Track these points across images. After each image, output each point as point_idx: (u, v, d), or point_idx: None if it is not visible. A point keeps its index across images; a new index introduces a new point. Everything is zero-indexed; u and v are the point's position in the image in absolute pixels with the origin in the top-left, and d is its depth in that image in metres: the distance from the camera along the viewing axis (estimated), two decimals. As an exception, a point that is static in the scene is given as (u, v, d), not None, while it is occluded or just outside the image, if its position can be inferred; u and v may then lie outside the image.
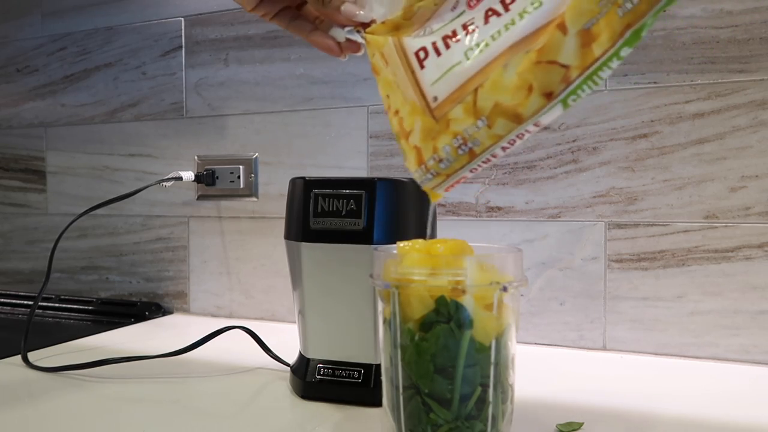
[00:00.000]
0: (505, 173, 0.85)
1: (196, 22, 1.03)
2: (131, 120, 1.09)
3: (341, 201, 0.59)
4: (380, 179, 0.59)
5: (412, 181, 0.60)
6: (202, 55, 1.03)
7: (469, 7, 0.43)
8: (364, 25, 0.50)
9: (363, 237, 0.58)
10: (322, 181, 0.60)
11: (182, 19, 1.04)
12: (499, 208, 0.85)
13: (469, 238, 0.49)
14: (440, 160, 0.44)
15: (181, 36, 1.04)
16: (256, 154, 1.00)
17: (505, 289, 0.44)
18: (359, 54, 0.54)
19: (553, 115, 0.40)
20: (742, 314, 0.75)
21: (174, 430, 0.54)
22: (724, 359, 0.75)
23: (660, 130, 0.78)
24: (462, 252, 0.46)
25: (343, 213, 0.59)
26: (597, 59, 0.38)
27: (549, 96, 0.39)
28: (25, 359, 0.73)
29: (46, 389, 0.64)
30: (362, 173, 0.92)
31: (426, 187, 0.46)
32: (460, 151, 0.43)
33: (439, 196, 0.47)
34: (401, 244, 0.47)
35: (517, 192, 0.84)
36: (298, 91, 0.96)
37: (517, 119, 0.40)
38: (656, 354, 0.78)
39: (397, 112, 0.46)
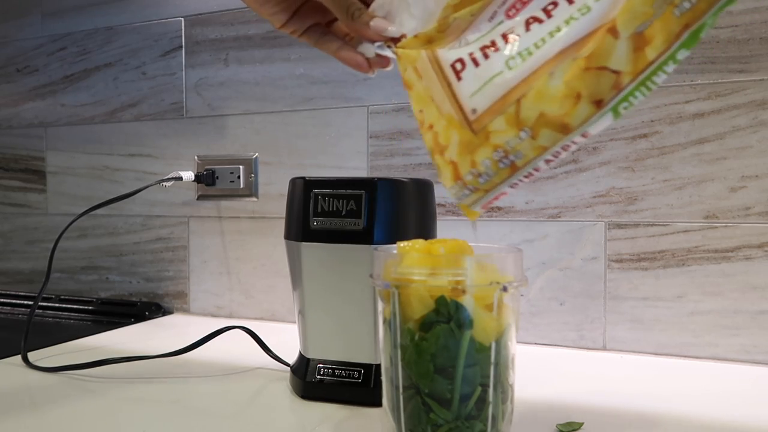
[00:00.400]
0: (505, 173, 0.85)
1: (196, 22, 1.03)
2: (131, 120, 1.09)
3: (341, 201, 0.59)
4: (380, 179, 0.59)
5: (412, 181, 0.60)
6: (202, 55, 1.03)
7: (508, 16, 0.41)
8: (395, 40, 0.48)
9: (363, 237, 0.58)
10: (322, 181, 0.60)
11: (182, 19, 1.04)
12: (499, 208, 0.85)
13: (469, 238, 0.49)
14: (479, 175, 0.41)
15: (181, 36, 1.04)
16: (256, 154, 1.00)
17: (505, 289, 0.44)
18: (388, 69, 0.52)
19: (603, 124, 0.38)
20: (742, 314, 0.75)
21: (174, 430, 0.54)
22: (724, 359, 0.75)
23: (660, 130, 0.78)
24: (462, 252, 0.46)
25: (343, 213, 0.59)
26: (651, 63, 0.36)
27: (599, 104, 0.37)
28: (25, 359, 0.73)
29: (46, 389, 0.64)
30: (362, 173, 0.92)
31: (462, 204, 0.44)
32: (501, 165, 0.40)
33: (476, 215, 0.44)
34: (401, 244, 0.47)
35: (517, 192, 0.84)
36: (298, 91, 0.96)
37: (564, 129, 0.38)
38: (656, 354, 0.78)
39: (431, 126, 0.44)
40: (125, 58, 1.09)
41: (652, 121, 0.78)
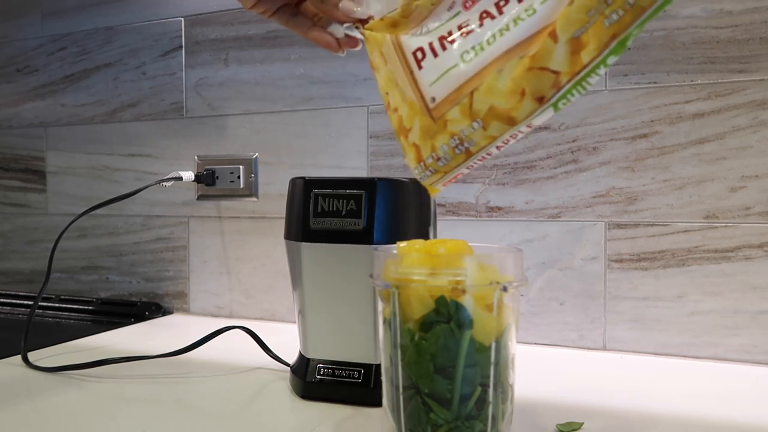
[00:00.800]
0: (505, 173, 0.85)
1: (196, 22, 1.03)
2: (131, 120, 1.09)
3: (341, 201, 0.59)
4: (380, 179, 0.59)
5: (412, 181, 0.60)
6: (202, 55, 1.03)
7: (465, 8, 0.45)
8: (362, 22, 0.51)
9: (363, 237, 0.58)
10: (322, 181, 0.60)
11: (182, 19, 1.04)
12: (499, 208, 0.85)
13: (469, 238, 0.49)
14: (438, 159, 0.45)
15: (181, 36, 1.04)
16: (256, 154, 1.00)
17: (505, 289, 0.44)
18: (357, 49, 0.55)
19: (545, 117, 0.42)
20: (742, 314, 0.75)
21: (174, 430, 0.54)
22: (724, 359, 0.75)
23: (660, 130, 0.78)
24: (462, 252, 0.46)
25: (343, 213, 0.59)
26: (585, 66, 0.40)
27: (540, 100, 0.41)
28: (25, 359, 0.73)
29: (46, 389, 0.64)
30: (362, 173, 0.92)
31: (425, 182, 0.48)
32: (457, 151, 0.45)
33: (437, 191, 0.48)
34: (401, 244, 0.47)
35: (517, 192, 0.84)
36: (298, 91, 0.97)
37: (511, 122, 0.42)
38: (656, 354, 0.78)
39: (396, 109, 0.48)
40: (125, 58, 1.09)
41: (652, 121, 0.78)
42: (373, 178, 0.59)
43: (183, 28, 1.04)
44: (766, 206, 0.74)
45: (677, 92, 0.77)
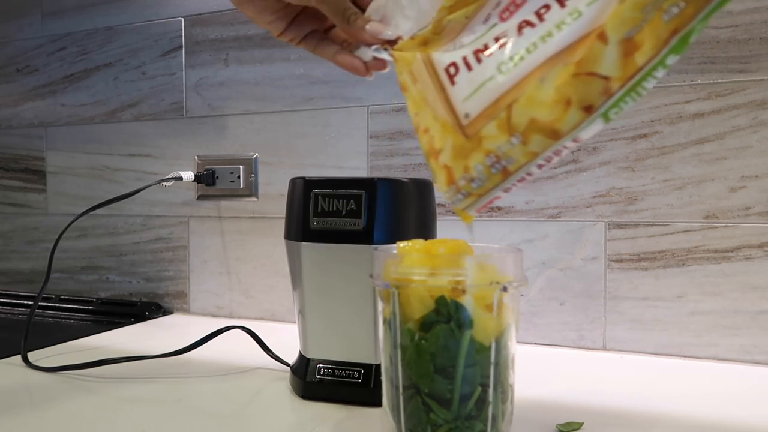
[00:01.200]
0: (505, 173, 0.85)
1: (196, 22, 1.03)
2: (131, 120, 1.09)
3: (341, 201, 0.59)
4: (380, 179, 0.59)
5: (412, 181, 0.60)
6: (202, 55, 1.03)
7: (502, 19, 0.41)
8: (391, 42, 0.48)
9: (363, 237, 0.58)
10: (322, 181, 0.60)
11: (182, 19, 1.04)
12: (499, 208, 0.85)
13: (468, 238, 0.49)
14: (472, 180, 0.41)
15: (181, 36, 1.04)
16: (256, 154, 1.00)
17: (505, 289, 0.44)
18: (385, 71, 0.52)
19: (593, 129, 0.38)
20: (742, 314, 0.75)
21: (174, 430, 0.54)
22: (724, 359, 0.75)
23: (660, 130, 0.78)
24: (462, 252, 0.46)
25: (343, 213, 0.59)
26: (640, 69, 0.36)
27: (588, 110, 0.37)
28: (25, 359, 0.73)
29: (46, 389, 0.64)
30: (362, 173, 0.92)
31: (457, 208, 0.44)
32: (494, 170, 0.40)
33: (471, 218, 0.44)
34: (401, 244, 0.47)
35: (517, 192, 0.84)
36: (298, 91, 0.97)
37: (554, 135, 0.38)
38: (656, 354, 0.78)
39: (426, 130, 0.44)
40: (125, 58, 1.09)
41: (652, 121, 0.78)
42: (373, 178, 0.59)
43: (183, 28, 1.04)
44: (766, 206, 0.74)
45: (677, 92, 0.77)
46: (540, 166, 0.40)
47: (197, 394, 0.63)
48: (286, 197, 0.64)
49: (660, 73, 0.36)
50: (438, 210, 0.66)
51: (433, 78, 0.43)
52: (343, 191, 0.59)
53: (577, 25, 0.37)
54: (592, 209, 0.81)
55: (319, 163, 0.95)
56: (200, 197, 1.04)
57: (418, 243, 0.46)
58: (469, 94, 0.41)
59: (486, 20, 0.42)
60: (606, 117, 0.37)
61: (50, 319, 1.05)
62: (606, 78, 0.36)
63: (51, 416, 0.57)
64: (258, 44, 0.99)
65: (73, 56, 1.14)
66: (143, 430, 0.53)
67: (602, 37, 0.36)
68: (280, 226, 0.74)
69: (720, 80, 0.75)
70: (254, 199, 1.00)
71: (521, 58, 0.39)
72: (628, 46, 0.36)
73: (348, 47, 0.53)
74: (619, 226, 0.80)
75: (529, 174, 0.40)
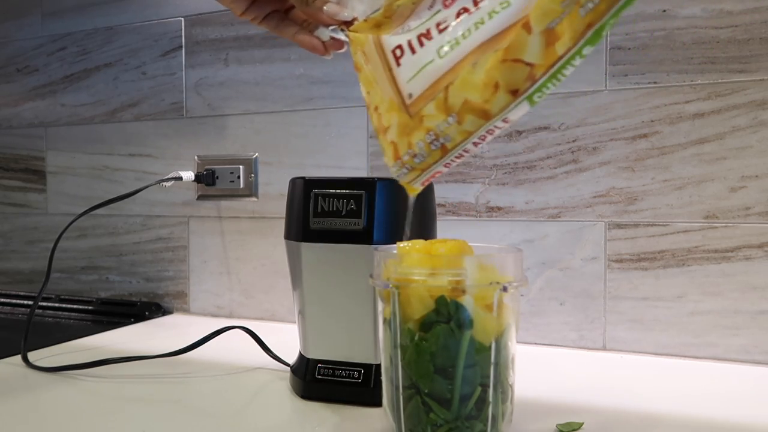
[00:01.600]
0: (505, 173, 0.85)
1: (196, 22, 1.03)
2: (131, 120, 1.09)
3: (341, 201, 0.59)
4: (380, 179, 0.59)
5: (412, 181, 0.60)
6: (202, 55, 1.03)
7: (445, 6, 0.45)
8: (347, 24, 0.52)
9: (363, 237, 0.58)
10: (322, 181, 0.60)
11: (182, 19, 1.04)
12: (499, 208, 0.85)
13: (469, 238, 0.49)
14: (414, 155, 0.45)
15: (181, 36, 1.04)
16: (256, 154, 1.00)
17: (505, 289, 0.44)
18: (342, 51, 0.55)
19: (520, 111, 0.41)
20: (742, 314, 0.75)
21: (174, 430, 0.54)
22: (724, 359, 0.75)
23: (660, 130, 0.78)
24: (462, 252, 0.46)
25: (343, 213, 0.59)
26: (560, 58, 0.39)
27: (515, 93, 0.40)
28: (25, 359, 0.73)
29: (46, 389, 0.64)
30: (362, 173, 0.92)
31: (402, 181, 0.47)
32: (433, 147, 0.44)
33: (416, 190, 0.48)
34: (401, 244, 0.47)
35: (517, 192, 0.84)
36: (298, 91, 0.97)
37: (485, 116, 0.42)
38: (656, 354, 0.78)
39: (376, 108, 0.48)
40: (125, 58, 1.09)
41: (652, 121, 0.78)
42: (373, 178, 0.59)
43: (183, 28, 1.04)
44: (766, 206, 0.74)
45: (677, 92, 0.77)
46: (475, 144, 0.43)
47: (197, 394, 0.63)
48: (286, 197, 0.64)
49: (577, 61, 0.39)
50: (438, 210, 0.66)
51: (382, 59, 0.47)
52: (343, 191, 0.59)
53: (505, 14, 0.41)
54: (592, 209, 0.81)
55: (319, 163, 0.95)
56: (200, 197, 1.04)
57: (418, 243, 0.46)
58: (412, 76, 0.45)
59: (431, 6, 0.46)
60: (531, 100, 0.40)
61: (50, 319, 1.05)
62: (530, 65, 0.40)
63: (51, 416, 0.57)
64: (258, 44, 0.99)
65: (73, 56, 1.14)
66: (143, 430, 0.53)
67: (527, 26, 0.40)
68: (280, 226, 0.74)
69: (720, 80, 0.75)
70: (254, 199, 1.00)
71: (457, 43, 0.43)
72: (550, 36, 0.39)
73: (307, 27, 0.56)
74: (619, 226, 0.80)
75: (466, 151, 0.44)
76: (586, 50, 0.38)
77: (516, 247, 0.48)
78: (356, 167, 0.93)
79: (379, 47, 0.47)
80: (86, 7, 1.12)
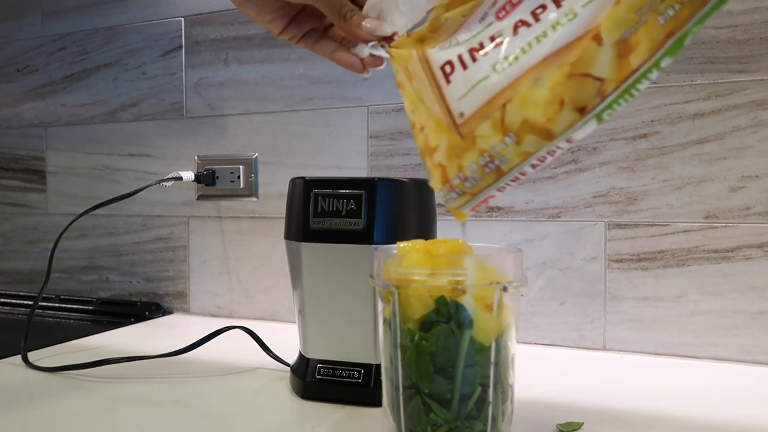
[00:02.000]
0: (505, 173, 0.85)
1: (196, 22, 1.03)
2: (131, 120, 1.09)
3: (341, 201, 0.59)
4: (380, 179, 0.59)
5: (412, 181, 0.60)
6: (202, 55, 1.03)
7: (498, 18, 0.41)
8: (388, 39, 0.49)
9: (363, 237, 0.58)
10: (322, 181, 0.60)
11: (182, 19, 1.04)
12: (499, 208, 0.85)
13: (469, 238, 0.49)
14: (466, 179, 0.41)
15: (181, 36, 1.04)
16: (256, 154, 1.00)
17: (505, 289, 0.44)
18: (381, 67, 0.53)
19: (587, 130, 0.38)
20: (742, 314, 0.75)
21: (174, 430, 0.54)
22: (724, 359, 0.75)
23: (660, 130, 0.78)
24: (462, 252, 0.46)
25: (343, 213, 0.59)
26: (635, 71, 0.36)
27: (582, 111, 0.37)
28: (25, 359, 0.73)
29: (46, 389, 0.64)
30: (362, 173, 0.92)
31: (451, 206, 0.44)
32: (487, 170, 0.40)
33: (465, 216, 0.44)
34: (401, 244, 0.47)
35: (517, 192, 0.84)
36: (298, 91, 0.97)
37: (548, 136, 0.38)
38: (656, 354, 0.78)
39: (422, 128, 0.44)
40: (125, 58, 1.09)
41: (652, 121, 0.78)
42: (373, 178, 0.59)
43: (183, 28, 1.04)
44: (766, 206, 0.74)
45: (677, 92, 0.77)
46: (534, 166, 0.40)
47: (197, 394, 0.63)
48: (286, 197, 0.64)
49: (654, 74, 0.36)
50: (438, 210, 0.66)
51: (429, 76, 0.43)
52: (343, 191, 0.59)
53: (572, 26, 0.37)
54: (592, 209, 0.81)
55: (319, 163, 0.95)
56: (200, 197, 1.04)
57: (418, 243, 0.46)
58: (464, 93, 0.41)
59: (482, 19, 0.42)
60: (599, 118, 0.37)
61: (50, 319, 1.05)
62: (600, 79, 0.36)
63: (51, 416, 0.57)
64: (258, 44, 0.99)
65: (73, 56, 1.14)
66: (143, 430, 0.53)
67: (597, 38, 0.36)
68: (280, 226, 0.74)
69: (720, 80, 0.75)
70: (254, 199, 1.00)
71: (516, 58, 0.39)
72: (623, 47, 0.36)
73: (346, 44, 0.54)
74: (619, 226, 0.80)
75: (523, 174, 0.40)
76: (665, 62, 0.36)
77: (516, 247, 0.48)
78: (356, 167, 0.93)
79: (426, 63, 0.43)
80: (86, 7, 1.12)
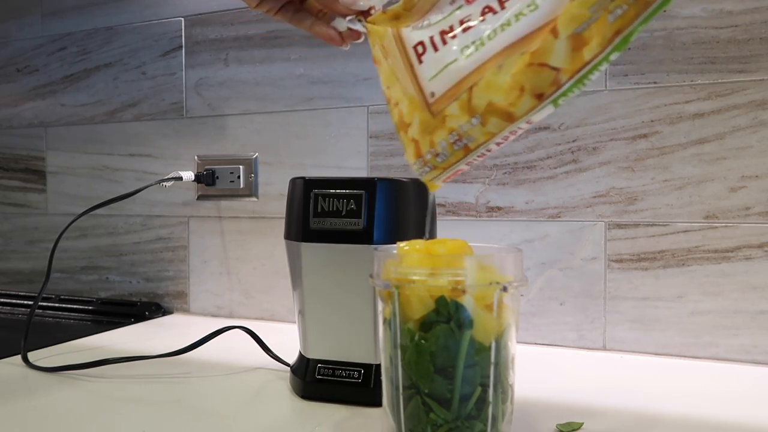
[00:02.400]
0: (505, 173, 0.85)
1: (196, 22, 1.03)
2: (131, 120, 1.09)
3: (341, 201, 0.59)
4: (380, 179, 0.59)
5: (413, 181, 0.60)
6: (202, 55, 1.03)
7: (467, 1, 0.45)
8: (365, 14, 0.51)
9: (363, 237, 0.58)
10: (322, 181, 0.60)
11: (182, 19, 1.04)
12: (499, 208, 0.85)
13: (469, 238, 0.49)
14: (437, 154, 0.45)
15: (181, 36, 1.04)
16: (256, 154, 1.00)
17: (505, 289, 0.44)
18: (360, 41, 0.55)
19: (544, 113, 0.42)
20: (742, 314, 0.75)
21: (174, 430, 0.54)
22: (724, 359, 0.75)
23: (660, 130, 0.78)
24: (462, 252, 0.46)
25: (343, 213, 0.59)
26: (587, 63, 0.39)
27: (540, 97, 0.41)
28: (25, 359, 0.73)
29: (46, 389, 0.64)
30: (362, 173, 0.92)
31: (424, 178, 0.47)
32: (456, 147, 0.44)
33: (437, 187, 0.48)
34: (401, 244, 0.47)
35: (517, 192, 0.84)
36: (298, 91, 0.97)
37: (509, 118, 0.42)
38: (656, 354, 0.78)
39: (397, 104, 0.48)
40: (125, 58, 1.09)
41: (652, 121, 0.78)
42: (373, 178, 0.59)
43: (183, 28, 1.04)
44: (766, 206, 0.74)
45: (677, 92, 0.77)
46: (498, 144, 0.44)
47: (197, 394, 0.63)
48: (286, 197, 0.64)
49: (603, 66, 0.39)
50: (438, 210, 0.66)
51: (403, 55, 0.47)
52: (343, 191, 0.59)
53: (533, 17, 0.41)
54: (592, 209, 0.81)
55: (319, 163, 0.95)
56: (200, 197, 1.04)
57: (418, 243, 0.46)
58: (435, 74, 0.45)
59: (453, 1, 0.46)
60: (555, 103, 0.41)
61: (50, 319, 1.05)
62: (556, 69, 0.40)
63: (51, 416, 0.57)
64: (258, 44, 0.99)
65: (73, 56, 1.14)
66: (143, 430, 0.53)
67: (554, 31, 0.40)
68: (280, 226, 0.74)
69: (720, 80, 0.75)
70: (254, 199, 1.00)
71: (482, 44, 0.43)
72: (577, 41, 0.39)
73: (323, 18, 0.56)
74: (619, 226, 0.80)
75: (489, 150, 0.44)
76: (613, 56, 0.39)
77: (516, 247, 0.48)
78: (356, 167, 0.93)
79: (400, 42, 0.47)
80: (86, 7, 1.12)
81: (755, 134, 0.74)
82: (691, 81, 0.76)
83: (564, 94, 0.40)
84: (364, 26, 0.52)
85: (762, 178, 0.74)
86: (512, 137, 0.44)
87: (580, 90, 0.40)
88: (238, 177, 1.00)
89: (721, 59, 0.75)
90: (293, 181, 0.63)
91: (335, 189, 0.59)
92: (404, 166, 0.90)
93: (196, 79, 1.03)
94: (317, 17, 0.56)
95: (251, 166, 1.00)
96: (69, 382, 0.67)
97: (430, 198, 0.63)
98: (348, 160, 0.93)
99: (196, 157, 1.04)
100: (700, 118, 0.76)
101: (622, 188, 0.79)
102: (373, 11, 0.51)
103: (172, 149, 1.06)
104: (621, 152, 0.79)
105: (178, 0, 1.04)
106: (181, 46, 1.04)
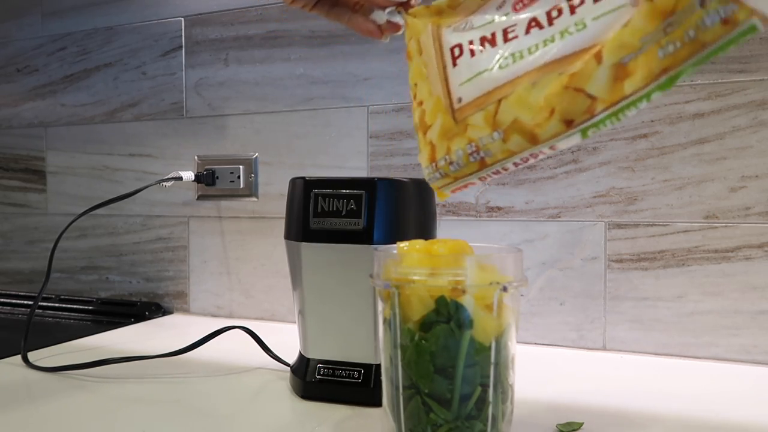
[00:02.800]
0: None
1: (196, 22, 1.03)
2: (131, 120, 1.09)
3: (341, 201, 0.59)
4: (380, 179, 0.59)
5: (413, 181, 0.60)
6: (202, 55, 1.03)
7: (515, 9, 0.42)
8: (405, 6, 0.50)
9: (363, 237, 0.58)
10: (322, 181, 0.60)
11: (182, 19, 1.04)
12: (499, 208, 0.85)
13: (469, 238, 0.49)
14: (451, 162, 0.43)
15: (181, 36, 1.04)
16: (256, 154, 1.00)
17: (505, 289, 0.44)
18: (400, 33, 0.53)
19: (570, 142, 0.39)
20: (742, 314, 0.75)
21: (174, 430, 0.54)
22: (724, 359, 0.75)
23: (660, 130, 0.78)
24: (462, 252, 0.46)
25: (343, 213, 0.59)
26: (626, 97, 0.36)
27: (569, 124, 0.38)
28: (25, 359, 0.73)
29: (46, 389, 0.64)
30: (362, 173, 0.92)
31: (433, 185, 0.46)
32: (472, 158, 0.42)
33: (445, 195, 0.46)
34: (401, 244, 0.47)
35: (517, 192, 0.84)
36: (298, 91, 0.96)
37: (533, 139, 0.40)
38: (656, 354, 0.78)
39: (421, 102, 0.46)
40: (125, 58, 1.09)
41: (652, 121, 0.78)
42: (373, 178, 0.59)
43: (183, 28, 1.04)
44: (766, 206, 0.74)
45: (677, 92, 0.77)
46: (516, 164, 0.41)
47: (197, 394, 0.63)
48: (286, 197, 0.64)
49: (642, 104, 0.36)
50: (438, 210, 0.66)
51: (438, 54, 0.45)
52: (343, 191, 0.59)
53: (579, 36, 0.38)
54: (592, 209, 0.81)
55: (319, 163, 0.95)
56: (200, 197, 1.04)
57: (418, 243, 0.46)
58: (466, 80, 0.42)
59: (500, 6, 0.43)
60: (584, 134, 0.38)
61: (50, 319, 1.05)
62: (592, 97, 0.37)
63: (51, 416, 0.57)
64: (258, 44, 0.99)
65: (73, 56, 1.14)
66: (143, 430, 0.53)
67: (598, 56, 0.37)
68: (280, 226, 0.74)
69: (720, 80, 0.75)
70: (254, 199, 1.00)
71: (521, 57, 0.40)
72: (620, 71, 0.36)
73: (360, 11, 0.54)
74: (619, 226, 0.80)
75: (505, 169, 0.42)
76: (655, 95, 0.36)
77: (516, 247, 0.48)
78: (356, 167, 0.93)
79: (437, 41, 0.45)
80: (86, 7, 1.12)
81: (755, 134, 0.74)
82: (691, 81, 0.76)
83: (595, 125, 0.37)
84: (404, 18, 0.50)
85: (762, 178, 0.74)
86: (532, 160, 0.41)
87: (612, 124, 0.37)
88: (238, 177, 1.00)
89: (721, 59, 0.75)
90: (293, 181, 0.63)
91: (335, 189, 0.59)
92: (404, 166, 0.90)
93: (196, 79, 1.03)
94: (354, 11, 0.54)
95: (251, 166, 1.00)
96: (69, 382, 0.67)
97: (431, 199, 0.63)
98: (348, 160, 0.93)
99: (196, 157, 1.04)
100: (700, 118, 0.76)
101: (622, 188, 0.79)
102: (414, 2, 0.49)
103: (172, 149, 1.06)
104: (621, 152, 0.79)
105: (178, 0, 1.04)
106: (181, 46, 1.04)
